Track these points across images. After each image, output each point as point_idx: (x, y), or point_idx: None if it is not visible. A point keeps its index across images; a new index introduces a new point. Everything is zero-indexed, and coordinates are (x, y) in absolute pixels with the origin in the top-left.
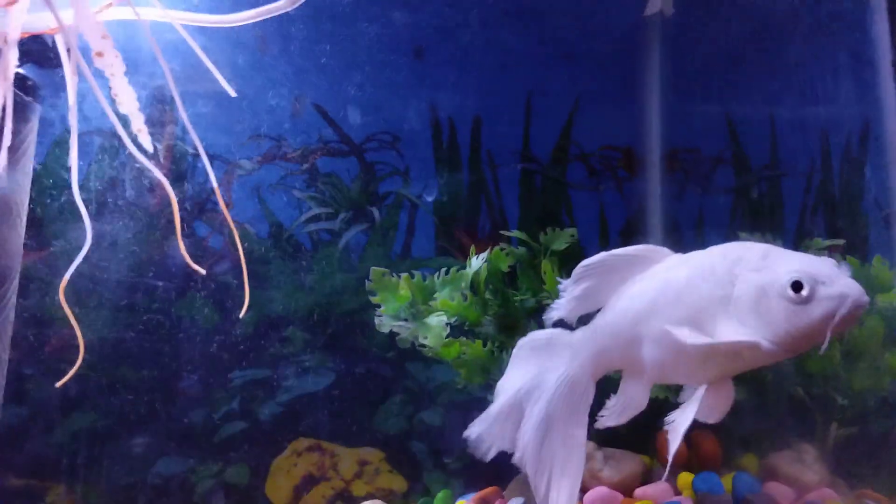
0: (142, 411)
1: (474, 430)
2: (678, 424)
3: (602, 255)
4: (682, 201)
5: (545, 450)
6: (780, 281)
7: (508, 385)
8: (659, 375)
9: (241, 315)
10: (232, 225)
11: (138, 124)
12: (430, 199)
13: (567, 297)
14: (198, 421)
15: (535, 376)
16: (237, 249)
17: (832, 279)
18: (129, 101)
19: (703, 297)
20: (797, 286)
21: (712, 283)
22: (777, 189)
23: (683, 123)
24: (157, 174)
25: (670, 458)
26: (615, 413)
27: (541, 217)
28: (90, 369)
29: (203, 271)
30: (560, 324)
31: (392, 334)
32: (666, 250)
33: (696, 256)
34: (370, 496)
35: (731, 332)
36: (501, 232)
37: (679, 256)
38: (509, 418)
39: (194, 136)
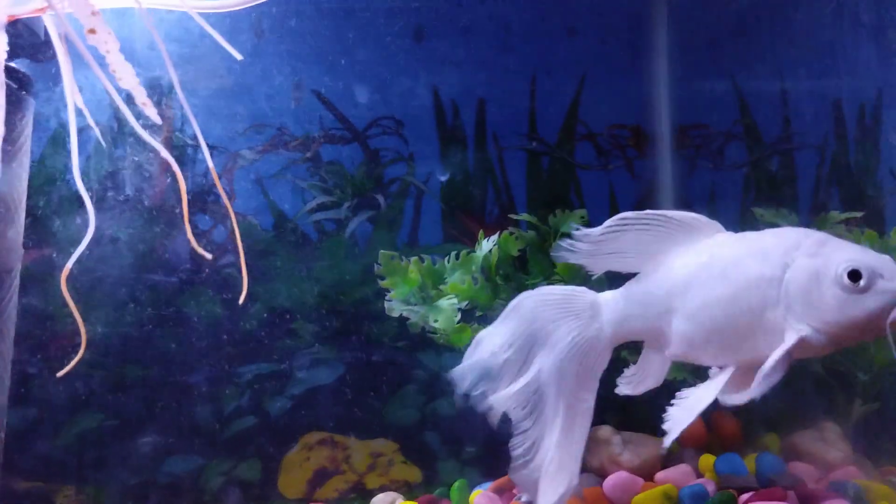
0: (149, 409)
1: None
2: (694, 403)
3: (646, 212)
4: (693, 178)
5: (550, 409)
6: (837, 268)
7: (500, 336)
8: (684, 352)
9: (241, 302)
10: (233, 215)
11: (142, 98)
12: (443, 178)
13: (590, 244)
14: (207, 417)
15: (544, 331)
16: (241, 241)
17: (893, 274)
18: (128, 76)
19: (752, 275)
20: (855, 275)
21: (763, 262)
22: (790, 162)
23: (693, 99)
24: (164, 153)
25: (671, 437)
26: (632, 383)
27: (549, 199)
28: (95, 368)
29: (209, 256)
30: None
31: (402, 323)
32: (716, 224)
33: (749, 235)
34: (384, 488)
35: (776, 328)
36: (510, 215)
37: (729, 234)
38: (498, 370)
39: (194, 122)
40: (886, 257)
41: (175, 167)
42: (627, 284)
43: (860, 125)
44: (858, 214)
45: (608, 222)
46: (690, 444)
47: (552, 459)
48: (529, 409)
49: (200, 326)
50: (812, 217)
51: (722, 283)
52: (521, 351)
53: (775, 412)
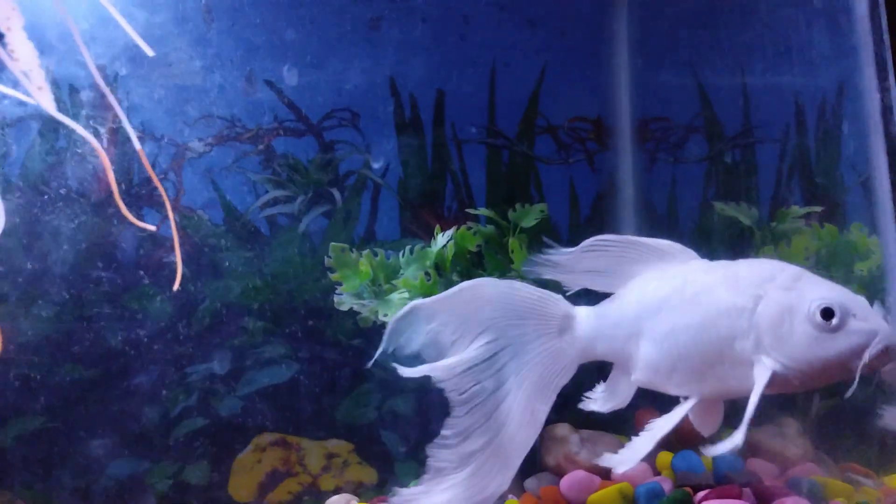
0: (91, 411)
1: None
2: (654, 433)
3: (624, 237)
4: (653, 172)
5: (498, 408)
6: (811, 305)
7: (446, 312)
8: (649, 378)
9: (175, 288)
10: (170, 210)
11: (38, 81)
12: (376, 165)
13: (567, 261)
14: (153, 419)
15: (508, 326)
16: (190, 237)
17: (866, 315)
18: (27, 56)
19: (723, 304)
20: (827, 313)
21: (735, 292)
22: (751, 156)
23: (654, 91)
24: (90, 139)
25: (626, 467)
26: (599, 401)
27: (509, 194)
28: (34, 367)
29: (154, 228)
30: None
31: (357, 321)
32: (692, 252)
33: (723, 264)
34: (339, 490)
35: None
36: (468, 210)
37: (704, 261)
38: (435, 344)
39: (117, 108)
40: (861, 298)
41: (99, 149)
42: (601, 304)
43: (821, 119)
44: (818, 209)
45: (586, 242)
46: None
47: (489, 458)
48: (468, 397)
49: (146, 324)
50: (773, 211)
51: (692, 309)
52: (468, 335)
53: (734, 408)
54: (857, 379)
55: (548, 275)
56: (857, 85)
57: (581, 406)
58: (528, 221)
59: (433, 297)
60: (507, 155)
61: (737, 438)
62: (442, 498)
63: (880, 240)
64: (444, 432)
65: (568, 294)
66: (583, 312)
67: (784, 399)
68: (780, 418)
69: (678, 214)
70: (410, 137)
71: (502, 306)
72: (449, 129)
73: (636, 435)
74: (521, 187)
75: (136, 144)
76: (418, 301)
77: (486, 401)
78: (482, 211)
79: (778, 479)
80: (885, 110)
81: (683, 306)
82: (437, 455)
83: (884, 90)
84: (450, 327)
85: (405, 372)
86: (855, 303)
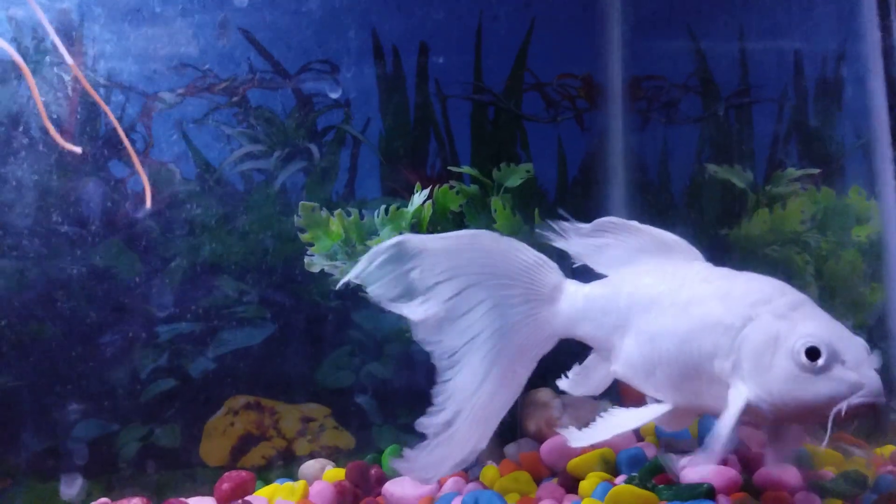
0: (58, 370)
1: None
2: (615, 425)
3: (632, 223)
4: (645, 132)
5: (478, 367)
6: (798, 340)
7: (439, 257)
8: (626, 375)
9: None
10: (138, 165)
11: None
12: (334, 95)
13: (579, 237)
14: (122, 379)
15: (497, 283)
16: (160, 191)
17: (856, 363)
18: None
19: (711, 318)
20: (813, 353)
21: (726, 308)
22: (747, 117)
23: (647, 49)
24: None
25: (579, 444)
26: (573, 384)
27: (494, 152)
28: None
29: (78, 150)
30: None
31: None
32: (696, 252)
33: (725, 274)
34: (314, 455)
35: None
36: (450, 168)
37: (707, 265)
38: (420, 288)
39: (65, 54)
40: (859, 342)
41: (24, 67)
42: (593, 285)
43: (821, 80)
44: (815, 171)
45: (599, 220)
46: (634, 406)
47: (466, 418)
48: (457, 359)
49: (115, 281)
50: (768, 173)
51: (681, 316)
52: (452, 283)
53: None
54: (829, 429)
55: (558, 243)
56: (858, 46)
57: (557, 383)
58: (514, 181)
59: (427, 235)
60: (492, 112)
61: (701, 458)
62: (431, 458)
63: (879, 204)
64: (435, 399)
65: (575, 266)
66: (571, 288)
67: None
68: None
69: (670, 176)
70: (392, 92)
71: (497, 262)
72: (433, 84)
73: (609, 410)
74: (507, 146)
75: (69, 59)
76: (409, 234)
77: (471, 362)
78: (465, 169)
79: (766, 446)
80: (889, 69)
81: (673, 311)
82: (428, 422)
83: (887, 51)
84: (435, 270)
85: (385, 306)
86: (848, 347)
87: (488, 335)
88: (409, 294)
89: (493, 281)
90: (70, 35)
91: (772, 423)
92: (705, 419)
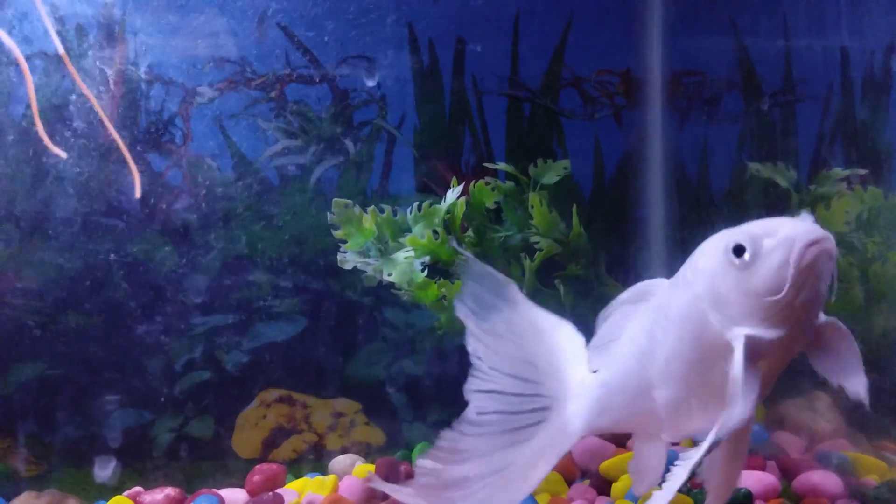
0: (95, 360)
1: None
2: (693, 453)
3: (614, 302)
4: (685, 130)
5: (505, 451)
6: (722, 253)
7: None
8: (678, 424)
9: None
10: (127, 155)
11: None
12: (371, 83)
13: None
14: (157, 370)
15: (526, 359)
16: (197, 185)
17: (776, 229)
18: None
19: (681, 308)
20: (738, 250)
21: (684, 289)
22: (791, 115)
23: (688, 43)
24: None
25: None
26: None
27: (530, 149)
28: (37, 315)
29: (64, 154)
30: None
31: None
32: (660, 280)
33: (681, 268)
34: (345, 450)
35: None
36: (486, 165)
37: (673, 279)
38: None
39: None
40: (780, 218)
41: (23, 64)
42: (598, 374)
43: (868, 76)
44: (862, 172)
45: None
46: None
47: (475, 492)
48: (484, 423)
49: (152, 274)
50: (812, 174)
51: (669, 331)
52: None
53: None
54: (822, 289)
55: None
56: None
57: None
58: (550, 178)
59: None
60: (528, 108)
61: (733, 413)
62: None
63: None
64: (440, 443)
65: None
66: (590, 380)
67: (814, 371)
68: (810, 391)
69: (710, 175)
70: (428, 87)
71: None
72: (469, 79)
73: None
74: (543, 142)
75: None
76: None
77: (495, 435)
78: (501, 166)
79: (805, 452)
80: None
81: (664, 334)
82: (426, 466)
83: None
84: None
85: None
86: (762, 226)
87: (514, 423)
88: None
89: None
90: (112, 29)
91: (792, 339)
92: None
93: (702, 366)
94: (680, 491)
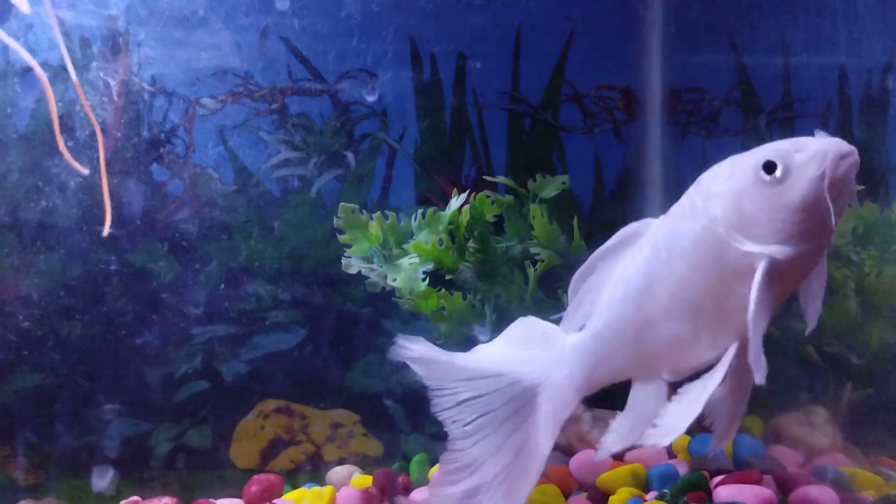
0: (94, 370)
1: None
2: (700, 390)
3: (591, 256)
4: (684, 145)
5: (499, 443)
6: (751, 171)
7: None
8: (683, 360)
9: (105, 234)
10: (104, 173)
11: None
12: (371, 98)
13: (572, 316)
14: (156, 380)
15: (511, 365)
16: (199, 196)
17: (805, 145)
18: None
19: (692, 236)
20: (770, 167)
21: (694, 217)
22: (790, 132)
23: (687, 60)
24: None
25: (672, 437)
26: (622, 435)
27: (530, 163)
28: (36, 324)
29: (85, 171)
30: None
31: (366, 288)
32: (649, 220)
33: (676, 204)
34: (343, 461)
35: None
36: (486, 177)
37: (661, 217)
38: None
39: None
40: (800, 138)
41: (43, 78)
42: (590, 323)
43: (866, 94)
44: (859, 188)
45: (571, 286)
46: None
47: (493, 494)
48: (472, 430)
49: (152, 284)
50: None
51: (675, 262)
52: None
53: (759, 393)
54: (832, 211)
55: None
56: None
57: (598, 457)
58: (549, 192)
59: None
60: (529, 123)
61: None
62: None
63: None
64: (444, 468)
65: None
66: (576, 341)
67: (814, 386)
68: (808, 406)
69: None
70: (429, 101)
71: (510, 347)
72: (469, 94)
73: (680, 392)
74: (543, 157)
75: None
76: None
77: (491, 437)
78: (501, 179)
79: (802, 467)
80: None
81: (667, 267)
82: (439, 493)
83: None
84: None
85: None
86: (791, 142)
87: (505, 412)
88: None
89: (509, 364)
90: (116, 41)
91: (809, 258)
92: (740, 439)
93: (718, 292)
94: (675, 502)
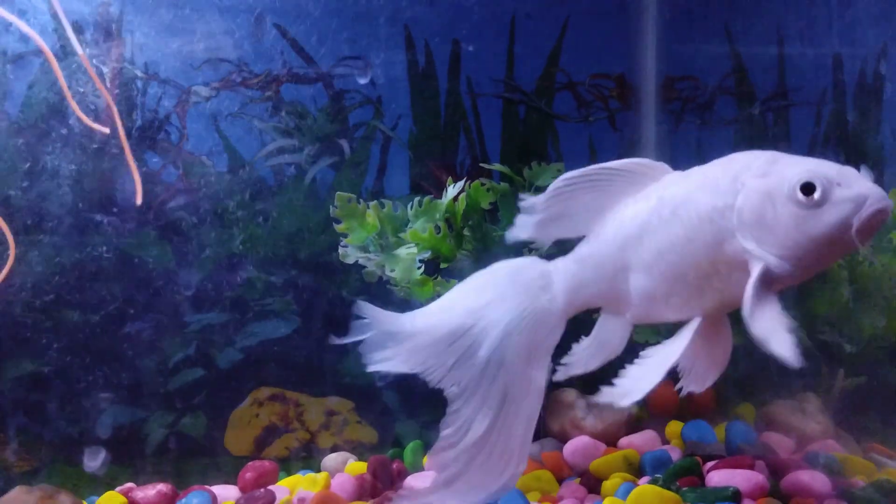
0: (89, 357)
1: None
2: (661, 361)
3: (589, 167)
4: (678, 134)
5: (491, 388)
6: (789, 183)
7: (453, 306)
8: (646, 310)
9: (138, 201)
10: (130, 157)
11: None
12: (363, 81)
13: (538, 215)
14: (150, 367)
15: (489, 308)
16: (193, 184)
17: (849, 181)
18: None
19: (703, 209)
20: (808, 188)
21: (713, 193)
22: (784, 120)
23: (682, 49)
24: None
25: (633, 399)
26: (585, 358)
27: (525, 151)
28: (32, 311)
29: (107, 130)
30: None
31: (362, 274)
32: (663, 165)
33: (698, 169)
34: (337, 448)
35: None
36: (482, 165)
37: (679, 173)
38: (433, 343)
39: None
40: (847, 167)
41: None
42: (577, 247)
43: (861, 82)
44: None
45: (552, 185)
46: (660, 410)
47: (495, 443)
48: (464, 386)
49: (146, 271)
50: None
51: (674, 224)
52: (461, 330)
53: (752, 380)
54: (864, 249)
55: (524, 236)
56: None
57: (557, 377)
58: (544, 181)
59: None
60: (524, 111)
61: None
62: (453, 496)
63: None
64: (444, 432)
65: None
66: (559, 265)
67: (806, 374)
68: (800, 393)
69: None
70: (423, 89)
71: (486, 292)
72: (464, 82)
73: (642, 354)
74: (538, 145)
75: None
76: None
77: (482, 386)
78: (496, 166)
79: (794, 453)
80: None
81: (664, 225)
82: (440, 457)
83: None
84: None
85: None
86: (839, 172)
87: (493, 355)
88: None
89: (487, 308)
90: (109, 27)
91: (802, 276)
92: (733, 425)
93: (704, 269)
94: (668, 488)
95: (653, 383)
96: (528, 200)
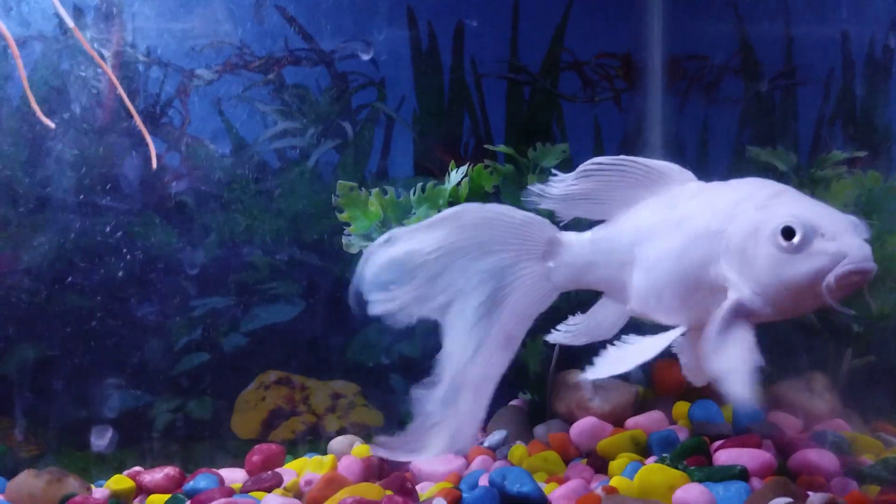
0: (94, 342)
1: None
2: (635, 354)
3: (621, 157)
4: (684, 113)
5: (470, 335)
6: (773, 223)
7: (426, 239)
8: (641, 308)
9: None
10: (142, 127)
11: None
12: (365, 57)
13: (564, 189)
14: (156, 352)
15: (486, 250)
16: (196, 167)
17: (836, 234)
18: None
19: (700, 228)
20: (788, 233)
21: (712, 215)
22: (792, 99)
23: (688, 27)
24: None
25: (595, 376)
26: (575, 333)
27: (530, 132)
28: (36, 296)
29: (52, 124)
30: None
31: None
32: (689, 173)
33: (713, 186)
34: (343, 431)
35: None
36: (486, 146)
37: (700, 184)
38: (409, 273)
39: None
40: (844, 217)
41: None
42: (595, 229)
43: (869, 60)
44: (862, 154)
45: (582, 166)
46: (666, 391)
47: (464, 389)
48: (445, 328)
49: (151, 255)
50: (811, 156)
51: (676, 235)
52: (445, 260)
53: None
54: (836, 305)
55: (543, 205)
56: None
57: (548, 338)
58: (549, 161)
59: (413, 226)
60: (528, 91)
61: (713, 360)
62: (422, 445)
63: None
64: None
65: (562, 224)
66: (572, 238)
67: (814, 353)
68: (807, 372)
69: (709, 158)
70: (427, 70)
71: (487, 232)
72: (468, 62)
73: (623, 339)
74: (543, 125)
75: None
76: (397, 229)
77: (462, 331)
78: (501, 148)
79: (802, 432)
80: None
81: (669, 233)
82: (421, 398)
83: None
84: (432, 254)
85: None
86: (828, 221)
87: (479, 303)
88: (401, 282)
89: (484, 249)
90: (111, 11)
91: (774, 316)
92: (739, 411)
93: (692, 285)
94: (675, 467)
95: (618, 371)
96: (558, 175)
